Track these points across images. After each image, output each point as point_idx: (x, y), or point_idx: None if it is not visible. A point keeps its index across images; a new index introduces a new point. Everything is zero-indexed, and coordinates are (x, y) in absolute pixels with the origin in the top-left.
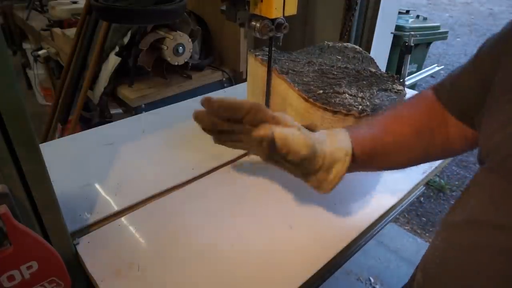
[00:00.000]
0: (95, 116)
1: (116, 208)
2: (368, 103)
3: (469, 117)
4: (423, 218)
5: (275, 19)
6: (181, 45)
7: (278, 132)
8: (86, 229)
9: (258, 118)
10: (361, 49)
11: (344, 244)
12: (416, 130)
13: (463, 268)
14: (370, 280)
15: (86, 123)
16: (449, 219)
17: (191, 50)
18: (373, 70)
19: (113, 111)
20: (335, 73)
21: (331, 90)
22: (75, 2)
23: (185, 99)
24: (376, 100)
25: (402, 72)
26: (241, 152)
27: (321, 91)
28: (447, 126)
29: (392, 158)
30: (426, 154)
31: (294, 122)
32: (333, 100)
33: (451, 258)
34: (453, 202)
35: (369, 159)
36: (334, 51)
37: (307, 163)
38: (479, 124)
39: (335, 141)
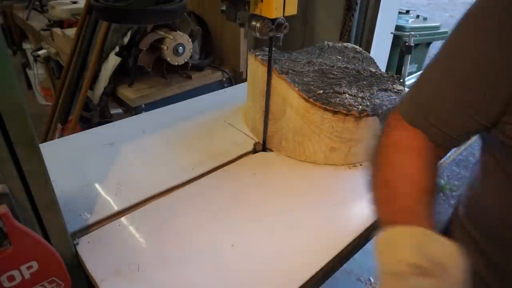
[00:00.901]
0: (95, 116)
1: (116, 208)
2: (368, 103)
3: (456, 141)
4: None
5: (275, 19)
6: (181, 45)
7: None
8: (86, 229)
9: None
10: (361, 49)
11: (344, 244)
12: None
13: None
14: (370, 280)
15: (86, 123)
16: None
17: (191, 50)
18: (373, 70)
19: (113, 111)
20: (335, 73)
21: (331, 90)
22: (75, 2)
23: (185, 99)
24: (376, 100)
25: (402, 72)
26: (241, 152)
27: (321, 91)
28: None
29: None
30: None
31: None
32: (333, 100)
33: None
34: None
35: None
36: (334, 51)
37: None
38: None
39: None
